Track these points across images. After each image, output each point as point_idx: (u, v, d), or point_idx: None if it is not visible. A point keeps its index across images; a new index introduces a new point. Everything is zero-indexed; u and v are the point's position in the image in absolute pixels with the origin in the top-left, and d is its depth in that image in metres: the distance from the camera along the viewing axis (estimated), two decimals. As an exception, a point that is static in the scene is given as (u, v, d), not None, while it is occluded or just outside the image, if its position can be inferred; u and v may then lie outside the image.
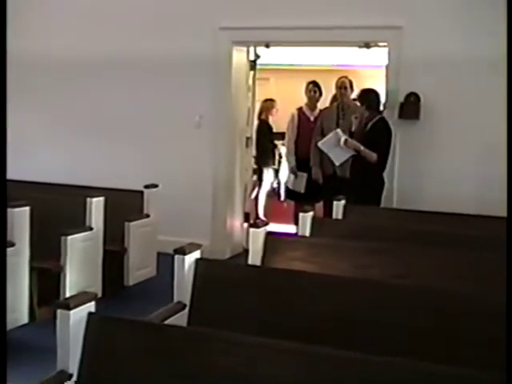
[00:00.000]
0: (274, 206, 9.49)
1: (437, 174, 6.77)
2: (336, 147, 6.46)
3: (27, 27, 7.97)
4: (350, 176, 6.58)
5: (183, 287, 3.43)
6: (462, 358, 2.91)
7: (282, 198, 9.63)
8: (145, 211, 6.32)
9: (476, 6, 6.53)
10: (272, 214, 8.80)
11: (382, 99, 6.85)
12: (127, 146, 7.87)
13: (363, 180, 6.35)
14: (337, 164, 6.70)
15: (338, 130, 6.60)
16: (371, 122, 6.50)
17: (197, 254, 3.51)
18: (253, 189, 8.85)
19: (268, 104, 9.35)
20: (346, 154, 6.40)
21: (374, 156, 6.32)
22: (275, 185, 9.81)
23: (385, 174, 6.57)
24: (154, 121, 7.74)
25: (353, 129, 6.73)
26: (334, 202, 5.64)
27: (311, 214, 5.00)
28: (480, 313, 3.05)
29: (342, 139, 6.36)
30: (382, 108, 7.10)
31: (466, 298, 3.15)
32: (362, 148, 6.29)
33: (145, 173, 7.25)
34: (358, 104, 6.65)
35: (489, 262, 3.93)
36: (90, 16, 7.92)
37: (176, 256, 3.44)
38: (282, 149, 9.26)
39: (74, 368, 2.70)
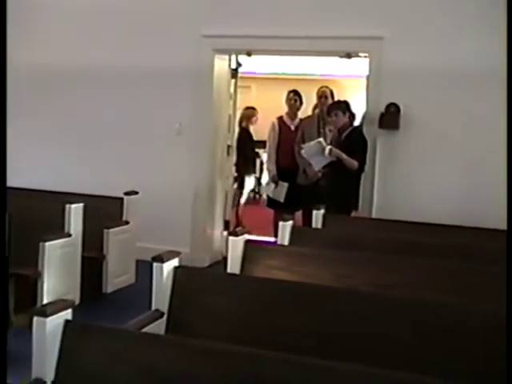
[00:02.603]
0: (254, 214, 9.49)
1: (416, 183, 6.80)
2: (318, 155, 6.49)
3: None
4: (328, 185, 6.60)
5: (161, 295, 3.42)
6: (446, 368, 2.92)
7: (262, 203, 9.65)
8: (124, 218, 6.30)
9: (457, 18, 6.59)
10: (252, 222, 8.79)
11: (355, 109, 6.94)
12: (107, 153, 7.84)
13: (341, 188, 6.37)
14: (316, 169, 6.76)
15: (321, 140, 6.62)
16: (346, 132, 6.55)
17: (175, 262, 3.50)
18: (234, 198, 8.84)
19: (249, 112, 9.37)
20: (326, 160, 6.44)
21: (355, 164, 6.35)
22: (255, 187, 9.79)
23: (361, 182, 6.63)
24: (134, 128, 7.72)
25: (328, 141, 6.76)
26: (314, 211, 5.65)
27: (291, 222, 5.01)
28: (464, 323, 3.06)
29: (327, 149, 6.38)
30: (360, 118, 7.21)
31: (448, 309, 3.15)
32: (344, 157, 6.32)
33: (124, 179, 7.21)
34: (333, 117, 6.64)
35: (471, 272, 3.94)
36: (72, 28, 7.92)
37: (154, 264, 3.42)
38: (264, 156, 9.27)
39: (49, 376, 2.68)
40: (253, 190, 9.85)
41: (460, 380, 2.56)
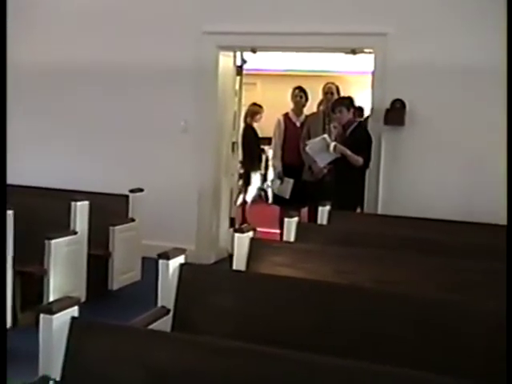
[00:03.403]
0: (260, 211, 9.49)
1: (421, 180, 6.80)
2: (322, 152, 6.49)
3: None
4: (334, 181, 6.60)
5: (167, 292, 3.42)
6: (447, 366, 2.92)
7: (270, 201, 9.64)
8: (130, 215, 6.30)
9: (462, 14, 6.58)
10: (258, 219, 8.79)
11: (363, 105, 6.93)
12: (112, 151, 7.85)
13: (346, 184, 6.37)
14: (321, 165, 6.78)
15: (326, 136, 6.63)
16: (350, 129, 6.55)
17: (181, 259, 3.50)
18: (239, 194, 8.85)
19: (254, 109, 9.36)
20: (331, 156, 6.45)
21: (360, 160, 6.35)
22: (266, 186, 9.78)
23: (366, 179, 6.62)
24: (139, 126, 7.72)
25: (333, 137, 6.76)
26: (319, 208, 5.64)
27: (296, 219, 5.01)
28: (466, 321, 3.05)
29: (332, 145, 6.39)
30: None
31: (451, 306, 3.15)
32: (349, 153, 6.32)
33: (130, 177, 7.23)
34: (337, 114, 6.65)
35: (475, 269, 3.93)
36: (72, 26, 7.93)
37: (160, 261, 3.43)
38: (269, 153, 9.27)
39: (56, 373, 2.69)
40: (260, 188, 9.85)
41: (460, 378, 2.56)
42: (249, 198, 9.26)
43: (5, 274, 4.35)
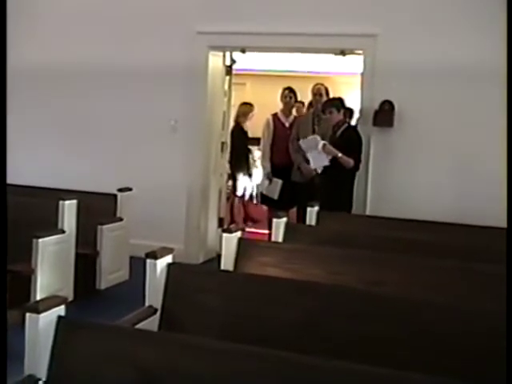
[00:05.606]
0: (248, 210, 9.49)
1: (410, 181, 6.81)
2: (315, 151, 6.46)
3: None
4: (323, 182, 6.58)
5: (155, 292, 3.42)
6: (438, 367, 2.93)
7: (255, 202, 9.63)
8: (118, 214, 6.29)
9: (451, 16, 6.60)
10: (246, 219, 8.81)
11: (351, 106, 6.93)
12: (101, 150, 7.83)
13: (335, 186, 6.36)
14: (312, 167, 6.72)
15: (317, 136, 6.62)
16: (340, 130, 6.53)
17: (169, 259, 3.50)
18: (228, 195, 8.82)
19: (246, 108, 9.31)
20: (323, 160, 6.41)
21: (351, 162, 6.33)
22: (256, 189, 9.76)
23: (355, 181, 6.61)
24: (128, 125, 7.70)
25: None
26: (308, 208, 5.65)
27: (285, 219, 5.01)
28: (455, 321, 3.06)
29: (320, 144, 6.38)
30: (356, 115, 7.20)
31: (440, 307, 3.15)
32: (339, 154, 6.30)
33: (119, 176, 7.21)
34: (327, 115, 6.64)
35: (464, 270, 3.94)
36: (67, 27, 7.90)
37: (148, 260, 3.42)
38: (256, 153, 9.25)
39: (42, 373, 2.67)
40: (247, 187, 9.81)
41: (450, 379, 2.56)
42: (237, 198, 9.23)
43: (5, 272, 4.32)
